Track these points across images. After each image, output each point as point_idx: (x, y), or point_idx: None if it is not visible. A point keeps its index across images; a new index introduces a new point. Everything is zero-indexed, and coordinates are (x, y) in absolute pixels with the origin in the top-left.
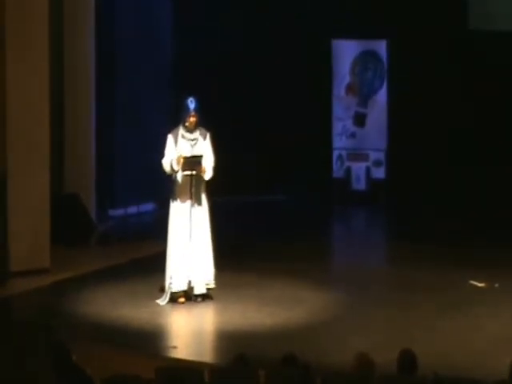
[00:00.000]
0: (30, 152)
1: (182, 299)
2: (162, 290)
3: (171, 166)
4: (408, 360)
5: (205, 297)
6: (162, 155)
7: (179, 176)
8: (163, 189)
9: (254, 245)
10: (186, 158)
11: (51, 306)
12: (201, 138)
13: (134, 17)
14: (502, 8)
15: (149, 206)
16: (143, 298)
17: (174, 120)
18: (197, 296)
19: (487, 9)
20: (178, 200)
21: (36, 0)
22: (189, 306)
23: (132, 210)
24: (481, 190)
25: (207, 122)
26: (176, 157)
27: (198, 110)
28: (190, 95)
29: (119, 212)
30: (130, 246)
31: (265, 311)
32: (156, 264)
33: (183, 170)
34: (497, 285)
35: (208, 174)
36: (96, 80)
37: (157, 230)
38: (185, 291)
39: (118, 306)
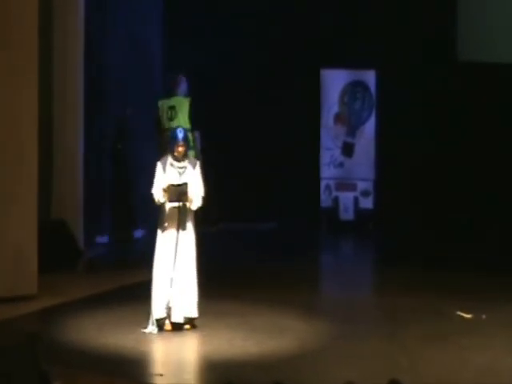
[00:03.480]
0: (17, 177)
1: (167, 326)
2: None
3: (159, 195)
4: None
5: (184, 325)
6: (151, 183)
7: (166, 205)
8: (152, 216)
9: (241, 273)
10: (172, 187)
11: (37, 333)
12: (190, 167)
13: (124, 48)
14: (490, 39)
15: (137, 233)
16: (129, 325)
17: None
18: (180, 324)
19: (476, 40)
20: (165, 228)
21: (25, 26)
22: (175, 333)
23: (119, 236)
24: (470, 218)
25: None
26: (165, 186)
27: (187, 139)
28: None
29: (106, 238)
30: (117, 273)
31: (251, 339)
32: (143, 291)
33: (170, 199)
34: (484, 316)
35: (195, 204)
36: (85, 106)
37: (145, 257)
38: (169, 318)
39: (104, 333)
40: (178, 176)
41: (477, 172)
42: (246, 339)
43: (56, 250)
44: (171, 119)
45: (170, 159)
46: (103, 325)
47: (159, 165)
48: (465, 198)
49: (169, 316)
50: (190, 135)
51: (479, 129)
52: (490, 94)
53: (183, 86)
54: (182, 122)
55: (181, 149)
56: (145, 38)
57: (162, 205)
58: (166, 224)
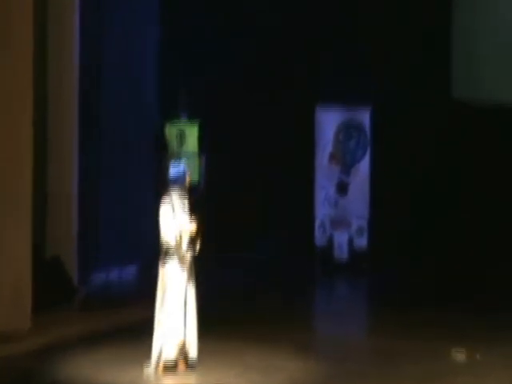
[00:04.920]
0: (11, 213)
1: (163, 367)
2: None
3: (174, 238)
4: None
5: (189, 364)
6: (149, 218)
7: (181, 248)
8: (147, 252)
9: (234, 310)
10: (185, 235)
11: (32, 371)
12: (189, 204)
13: (119, 82)
14: (486, 77)
15: (132, 269)
16: (126, 363)
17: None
18: (180, 363)
19: (472, 77)
20: (170, 268)
21: (20, 51)
22: (173, 372)
23: (114, 273)
24: (466, 257)
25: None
26: (177, 234)
27: (186, 176)
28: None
29: (102, 275)
30: (112, 310)
31: (244, 378)
32: (140, 329)
33: (188, 243)
34: (478, 356)
35: (197, 249)
36: (79, 142)
37: (140, 293)
38: (170, 360)
39: (99, 372)
40: (184, 216)
41: (472, 208)
42: (239, 378)
43: (51, 288)
44: (181, 143)
45: (174, 198)
46: (98, 363)
47: (167, 207)
48: (460, 237)
49: (171, 355)
50: (197, 160)
51: (475, 169)
52: (485, 133)
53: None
54: (191, 147)
55: (184, 185)
56: (139, 60)
57: (174, 248)
58: (174, 266)
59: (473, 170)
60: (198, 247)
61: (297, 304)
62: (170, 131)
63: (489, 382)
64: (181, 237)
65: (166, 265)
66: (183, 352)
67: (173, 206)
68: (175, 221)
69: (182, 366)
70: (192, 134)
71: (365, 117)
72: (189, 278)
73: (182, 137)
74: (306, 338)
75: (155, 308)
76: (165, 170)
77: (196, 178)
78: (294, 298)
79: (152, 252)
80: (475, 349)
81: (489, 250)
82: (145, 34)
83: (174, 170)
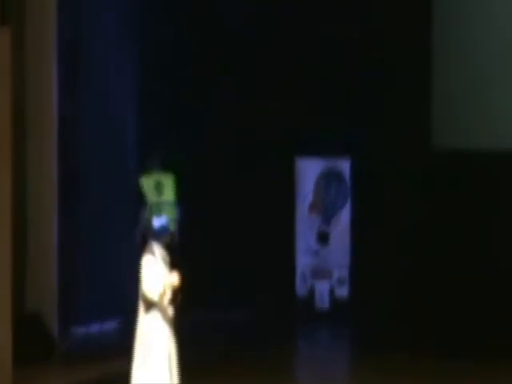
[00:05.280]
0: None
1: None
2: None
3: (157, 293)
4: None
5: None
6: (131, 271)
7: (164, 303)
8: (128, 305)
9: (215, 362)
10: (168, 288)
11: None
12: (168, 255)
13: (99, 133)
14: (465, 125)
15: (113, 322)
16: None
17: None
18: None
19: (451, 127)
20: (151, 321)
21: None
22: None
23: (95, 326)
24: (448, 306)
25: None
26: (163, 284)
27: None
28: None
29: (82, 329)
30: (93, 364)
31: None
32: (120, 383)
33: (170, 297)
34: None
35: (179, 300)
36: (59, 197)
37: (121, 347)
38: None
39: None
40: (166, 269)
41: (455, 258)
42: None
43: (30, 343)
44: (159, 194)
45: (157, 250)
46: None
47: (149, 260)
48: (442, 283)
49: None
50: (174, 210)
51: (457, 216)
52: (465, 181)
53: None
54: (170, 196)
55: (168, 238)
56: (119, 116)
57: (157, 302)
58: (155, 319)
59: (455, 216)
60: (179, 301)
61: (277, 355)
62: (147, 182)
63: None
64: (164, 290)
65: (148, 319)
66: None
67: (155, 258)
68: (158, 273)
69: None
70: (168, 184)
71: (345, 166)
72: (171, 333)
73: (159, 187)
74: None
75: (134, 363)
76: (144, 221)
77: (174, 228)
78: (274, 350)
79: (133, 305)
80: None
81: (471, 301)
82: (125, 83)
83: (157, 222)
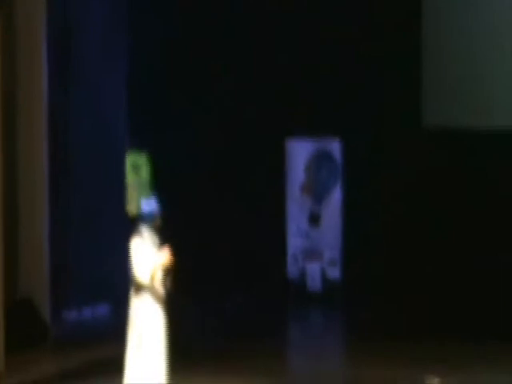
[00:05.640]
0: None
1: None
2: None
3: (147, 275)
4: None
5: None
6: (121, 256)
7: (155, 285)
8: (120, 289)
9: (209, 347)
10: (159, 268)
11: None
12: (160, 240)
13: (88, 124)
14: (456, 105)
15: (105, 307)
16: None
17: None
18: None
19: (441, 105)
20: (144, 306)
21: None
22: None
23: (87, 311)
24: (438, 288)
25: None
26: (152, 266)
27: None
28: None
29: (74, 314)
30: (85, 349)
31: None
32: (114, 368)
33: (154, 276)
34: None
35: (172, 285)
36: (50, 185)
37: (113, 331)
38: None
39: None
40: (156, 252)
41: (445, 241)
42: None
43: (23, 329)
44: (136, 174)
45: (146, 233)
46: None
47: (139, 242)
48: (434, 263)
49: None
50: (150, 191)
51: (448, 194)
52: (456, 160)
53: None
54: (144, 176)
55: (158, 222)
56: (109, 107)
57: (147, 285)
58: (147, 303)
59: (447, 199)
60: (171, 283)
61: (271, 336)
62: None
63: None
64: (154, 272)
65: (140, 302)
66: None
67: (144, 241)
68: (147, 256)
69: None
70: (144, 164)
71: (335, 147)
72: (163, 316)
73: (135, 167)
74: (281, 370)
75: (127, 347)
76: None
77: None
78: (267, 333)
79: (125, 289)
80: (450, 377)
81: (460, 283)
82: (114, 74)
83: (146, 205)
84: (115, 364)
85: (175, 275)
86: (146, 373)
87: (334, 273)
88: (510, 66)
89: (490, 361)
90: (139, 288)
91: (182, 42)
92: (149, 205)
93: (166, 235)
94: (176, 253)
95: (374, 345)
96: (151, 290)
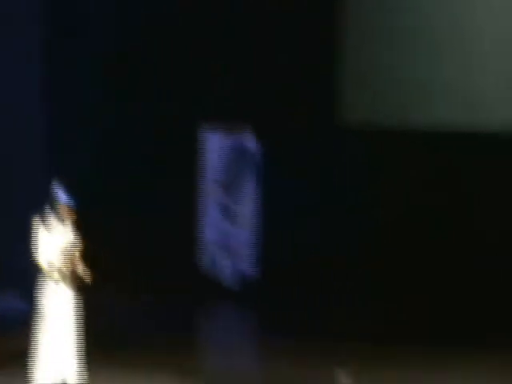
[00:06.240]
0: None
1: None
2: None
3: (49, 262)
4: None
5: None
6: (29, 243)
7: (56, 268)
8: (29, 280)
9: (124, 343)
10: (63, 251)
11: None
12: (70, 231)
13: None
14: (374, 101)
15: (13, 296)
16: None
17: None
18: None
19: (360, 104)
20: (52, 293)
21: None
22: None
23: None
24: (355, 281)
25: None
26: (54, 249)
27: (71, 202)
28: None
29: None
30: None
31: None
32: (21, 357)
33: (61, 264)
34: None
35: (82, 270)
36: None
37: (22, 320)
38: None
39: None
40: (63, 238)
41: (362, 231)
42: None
43: None
44: None
45: (54, 221)
46: None
47: (42, 226)
48: (353, 256)
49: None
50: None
51: (366, 191)
52: (375, 158)
53: None
54: None
55: (66, 211)
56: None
57: (49, 269)
58: (55, 289)
59: (366, 194)
60: (84, 271)
61: (183, 332)
62: None
63: None
64: (58, 259)
65: (45, 287)
66: (61, 378)
67: (50, 227)
68: (52, 242)
69: None
70: None
71: (250, 140)
72: (68, 301)
73: None
74: (193, 367)
75: (38, 335)
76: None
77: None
78: (180, 327)
79: (34, 277)
80: (363, 374)
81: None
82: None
83: (61, 193)
84: (23, 353)
85: (91, 266)
86: (56, 362)
87: (249, 268)
88: (428, 64)
89: (411, 360)
90: (47, 275)
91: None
92: (59, 191)
93: (79, 227)
94: (88, 245)
95: (288, 342)
96: (57, 278)
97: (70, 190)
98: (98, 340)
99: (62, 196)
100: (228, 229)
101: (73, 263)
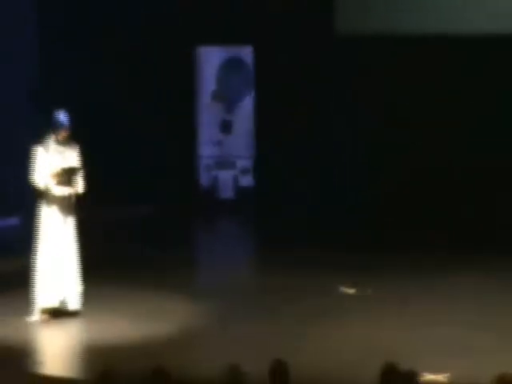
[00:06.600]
0: None
1: (46, 316)
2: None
3: (45, 181)
4: (279, 370)
5: (72, 313)
6: (28, 168)
7: (53, 189)
8: (28, 202)
9: (123, 258)
10: (60, 171)
11: None
12: (70, 151)
13: None
14: (368, 10)
15: (13, 220)
16: (7, 313)
17: (37, 132)
18: (69, 312)
19: (354, 11)
20: (50, 213)
21: None
22: (57, 321)
23: None
24: (352, 193)
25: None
26: (51, 170)
27: (70, 124)
28: (60, 109)
29: None
30: None
31: (134, 324)
32: (22, 279)
33: (58, 182)
34: (370, 291)
35: (80, 188)
36: None
37: (22, 244)
38: (53, 308)
39: None
40: (62, 161)
41: (357, 145)
42: (129, 324)
43: None
44: None
45: (51, 143)
46: None
47: (41, 150)
48: (345, 172)
49: (54, 304)
50: None
51: (361, 102)
52: (370, 67)
53: None
54: None
55: (65, 134)
56: None
57: (46, 190)
58: (52, 209)
59: (359, 103)
60: (79, 186)
61: (182, 247)
62: None
63: (377, 318)
64: (57, 179)
65: (43, 209)
66: (61, 299)
67: (47, 149)
68: (46, 163)
69: (46, 316)
70: None
71: (247, 54)
72: (67, 222)
73: None
74: (194, 282)
75: (35, 255)
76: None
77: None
78: (180, 242)
79: (33, 200)
80: (366, 285)
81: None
82: None
83: (61, 115)
84: (23, 276)
85: (85, 181)
86: (56, 284)
87: (246, 181)
88: None
89: (408, 270)
90: (42, 196)
91: None
92: (62, 115)
93: (78, 146)
94: (87, 161)
95: (285, 253)
96: (52, 197)
97: (68, 112)
98: (98, 257)
99: (60, 118)
100: (226, 142)
101: (71, 184)
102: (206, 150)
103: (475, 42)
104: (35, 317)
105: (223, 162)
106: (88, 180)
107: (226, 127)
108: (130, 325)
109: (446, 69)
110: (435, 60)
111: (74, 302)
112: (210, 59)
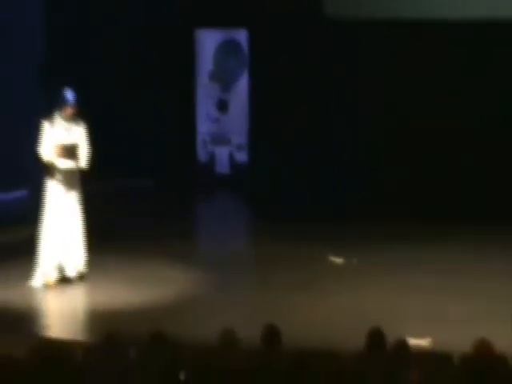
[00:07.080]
0: None
1: (51, 282)
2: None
3: (50, 154)
4: (271, 334)
5: (75, 279)
6: (35, 142)
7: (57, 163)
8: (36, 175)
9: (123, 228)
10: (64, 146)
11: None
12: (76, 127)
13: None
14: None
15: (20, 193)
16: (14, 280)
17: (44, 107)
18: (73, 279)
19: None
20: (55, 186)
21: None
22: (61, 287)
23: (2, 196)
24: (343, 177)
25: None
26: (56, 144)
27: (76, 102)
28: (65, 86)
29: None
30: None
31: (134, 291)
32: (28, 247)
33: (62, 157)
34: (355, 260)
35: (84, 163)
36: None
37: (28, 214)
38: (57, 275)
39: None
40: (67, 135)
41: (347, 123)
42: (129, 290)
43: None
44: None
45: (57, 118)
46: None
47: (46, 124)
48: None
49: (59, 271)
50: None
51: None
52: (362, 50)
53: None
54: None
55: (71, 110)
56: None
57: (51, 163)
58: (57, 182)
59: (350, 84)
60: (83, 161)
61: (179, 219)
62: None
63: (363, 287)
64: (62, 154)
65: (49, 181)
66: (66, 267)
67: (53, 124)
68: (52, 137)
69: (52, 281)
70: None
71: (242, 36)
72: (71, 195)
73: None
74: (191, 251)
75: (41, 228)
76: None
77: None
78: (179, 214)
79: (40, 174)
80: (352, 254)
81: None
82: None
83: (68, 93)
84: (30, 244)
85: (89, 157)
86: (60, 254)
87: (242, 157)
88: None
89: (396, 240)
90: (49, 169)
91: None
92: (69, 93)
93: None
94: (93, 137)
95: (280, 224)
96: (58, 170)
97: (74, 88)
98: (99, 229)
99: (67, 95)
100: (222, 119)
101: (75, 159)
102: (203, 127)
103: (477, 27)
104: (40, 283)
105: (219, 139)
106: (91, 155)
107: (222, 106)
108: (131, 291)
109: (444, 58)
110: (434, 50)
111: (78, 270)
112: (208, 41)
